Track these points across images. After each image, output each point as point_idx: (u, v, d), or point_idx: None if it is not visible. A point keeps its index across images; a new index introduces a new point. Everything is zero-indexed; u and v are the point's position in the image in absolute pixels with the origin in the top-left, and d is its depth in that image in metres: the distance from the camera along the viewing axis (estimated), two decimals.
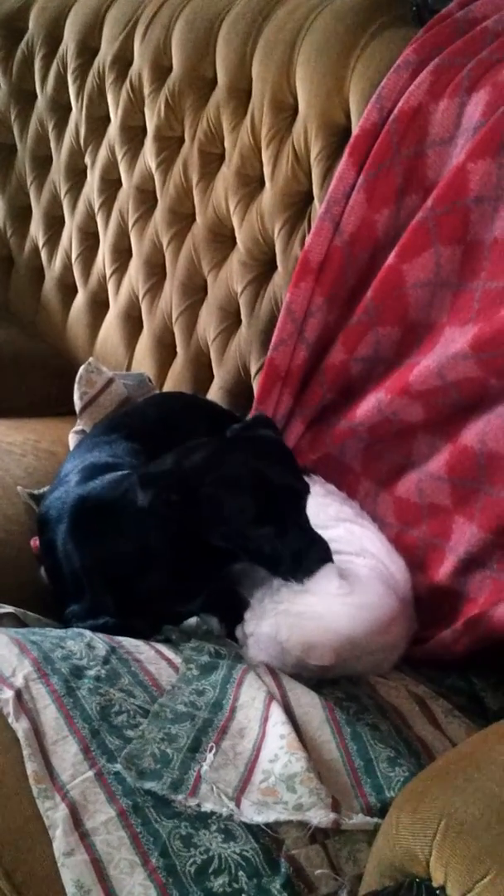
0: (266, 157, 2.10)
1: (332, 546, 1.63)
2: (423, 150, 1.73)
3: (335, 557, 1.60)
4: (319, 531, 1.62)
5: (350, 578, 1.64)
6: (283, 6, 2.10)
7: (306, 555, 1.57)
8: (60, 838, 1.15)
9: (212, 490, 1.56)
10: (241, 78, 2.15)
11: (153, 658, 1.50)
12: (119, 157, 2.54)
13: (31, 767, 1.23)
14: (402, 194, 1.76)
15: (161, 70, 2.37)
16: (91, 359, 2.32)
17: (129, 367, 2.56)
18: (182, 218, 2.37)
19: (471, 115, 1.65)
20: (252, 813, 1.20)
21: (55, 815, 1.18)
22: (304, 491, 1.61)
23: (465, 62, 1.68)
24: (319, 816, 1.19)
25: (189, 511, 1.57)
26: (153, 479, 1.57)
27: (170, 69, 2.35)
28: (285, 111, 2.05)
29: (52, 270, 2.85)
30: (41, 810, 1.19)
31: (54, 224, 2.84)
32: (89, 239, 2.71)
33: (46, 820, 1.18)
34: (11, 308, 3.00)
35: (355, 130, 1.82)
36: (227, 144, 2.21)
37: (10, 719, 1.30)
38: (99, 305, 2.70)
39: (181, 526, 1.60)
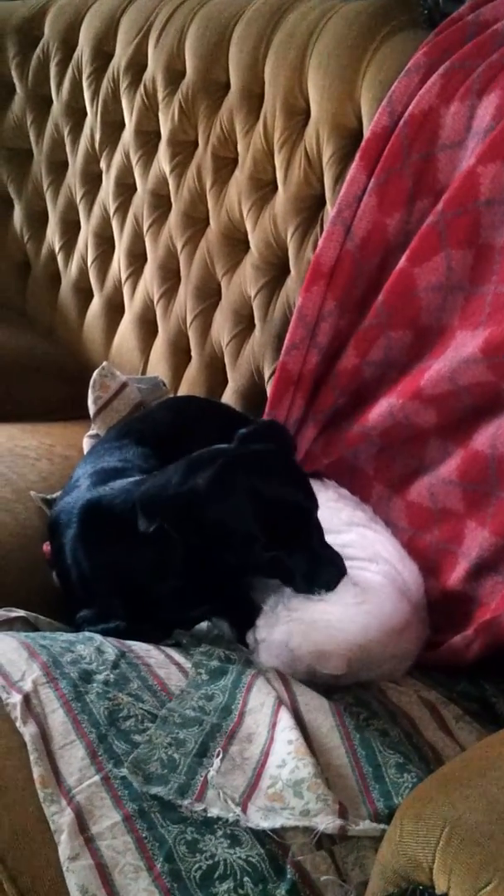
0: (279, 161, 2.10)
1: (345, 551, 1.62)
2: (433, 154, 1.72)
3: (348, 563, 1.60)
4: (332, 536, 1.62)
5: (363, 585, 1.63)
6: (294, 10, 2.10)
7: (316, 573, 1.57)
8: (65, 843, 1.15)
9: (218, 521, 1.56)
10: (253, 82, 2.16)
11: (163, 662, 1.50)
12: (134, 161, 2.55)
13: (37, 772, 1.23)
14: (413, 198, 1.76)
15: (175, 74, 2.38)
16: (105, 363, 2.33)
17: (144, 372, 2.57)
18: (196, 222, 2.38)
19: (481, 118, 1.64)
20: (258, 818, 1.19)
21: (61, 819, 1.18)
22: (312, 507, 1.60)
23: (476, 65, 1.68)
24: (326, 822, 1.18)
25: (197, 534, 1.57)
26: (155, 505, 1.57)
27: (183, 73, 2.36)
28: (297, 115, 2.06)
29: (69, 275, 2.86)
30: (47, 814, 1.19)
31: (70, 229, 2.85)
32: (105, 243, 2.72)
33: (52, 824, 1.18)
34: (28, 312, 3.02)
35: (366, 134, 1.82)
36: (240, 148, 2.22)
37: (18, 723, 1.30)
38: (114, 310, 2.71)
39: (191, 545, 1.60)
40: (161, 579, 1.66)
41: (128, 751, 1.27)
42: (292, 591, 1.62)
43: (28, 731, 1.29)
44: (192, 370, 2.42)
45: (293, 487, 1.61)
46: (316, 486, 1.82)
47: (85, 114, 2.72)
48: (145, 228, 2.53)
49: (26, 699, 1.34)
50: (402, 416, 1.78)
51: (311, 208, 2.05)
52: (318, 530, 1.60)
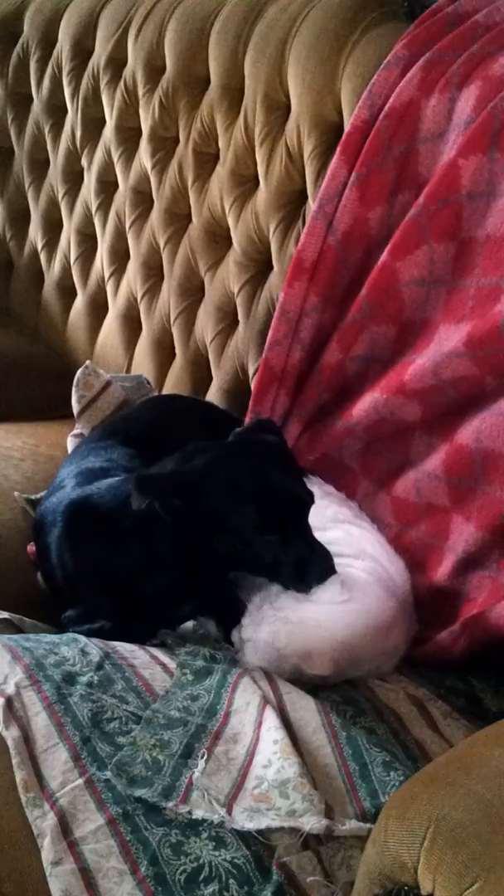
0: (260, 156, 2.09)
1: (331, 548, 1.61)
2: (414, 147, 1.71)
3: (334, 560, 1.59)
4: (318, 532, 1.61)
5: (349, 583, 1.62)
6: (274, 4, 2.09)
7: (309, 565, 1.55)
8: (48, 847, 1.14)
9: (214, 496, 1.54)
10: (233, 77, 2.15)
11: (147, 663, 1.49)
12: (115, 158, 2.54)
13: (19, 776, 1.22)
14: (395, 191, 1.75)
15: (155, 70, 2.37)
16: (88, 362, 2.32)
17: (128, 369, 2.56)
18: (178, 219, 2.37)
19: (461, 110, 1.63)
20: (243, 820, 1.18)
21: (43, 823, 1.16)
22: (309, 499, 1.59)
23: (456, 57, 1.67)
24: (312, 822, 1.17)
25: (191, 516, 1.55)
26: (152, 484, 1.56)
27: (163, 69, 2.34)
28: (278, 109, 2.05)
29: (52, 273, 2.85)
30: (30, 819, 1.18)
31: (53, 227, 2.84)
32: (87, 241, 2.71)
33: (35, 829, 1.16)
34: (12, 311, 3.01)
35: (347, 128, 1.81)
36: (221, 144, 2.21)
37: (0, 727, 1.29)
38: (98, 307, 2.70)
39: (183, 531, 1.58)
40: (146, 577, 1.65)
41: (112, 753, 1.26)
42: (280, 588, 1.60)
43: (10, 734, 1.27)
44: (177, 367, 2.41)
45: (291, 476, 1.60)
46: None
47: (65, 111, 2.71)
48: (128, 226, 2.52)
49: (8, 702, 1.32)
50: (387, 411, 1.77)
51: (292, 203, 2.04)
52: (308, 526, 1.59)
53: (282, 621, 1.56)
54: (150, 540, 1.61)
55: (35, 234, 2.90)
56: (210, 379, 2.31)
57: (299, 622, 1.55)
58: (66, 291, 2.81)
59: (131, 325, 2.57)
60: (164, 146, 2.38)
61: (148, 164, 2.41)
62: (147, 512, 1.52)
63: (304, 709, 1.40)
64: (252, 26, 2.10)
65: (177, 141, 2.34)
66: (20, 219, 2.95)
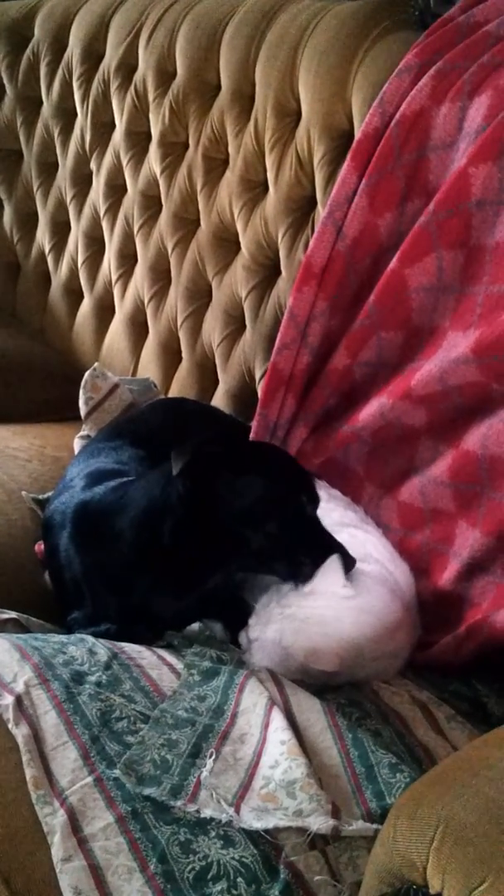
0: (270, 161, 2.10)
1: None
2: (424, 155, 1.72)
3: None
4: None
5: (355, 583, 1.63)
6: (285, 11, 2.10)
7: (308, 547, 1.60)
8: (59, 844, 1.15)
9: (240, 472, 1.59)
10: (244, 83, 2.16)
11: (155, 663, 1.49)
12: (124, 162, 2.55)
13: (30, 773, 1.23)
14: (405, 199, 1.76)
15: (165, 75, 2.38)
16: (96, 364, 2.33)
17: (134, 373, 2.56)
18: (187, 223, 2.38)
19: (472, 119, 1.65)
20: (251, 819, 1.19)
21: (54, 820, 1.17)
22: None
23: (467, 66, 1.68)
24: (319, 822, 1.18)
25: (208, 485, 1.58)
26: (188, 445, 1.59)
27: (174, 74, 2.36)
28: (288, 116, 2.06)
29: (59, 276, 2.85)
30: (40, 816, 1.18)
31: (60, 230, 2.85)
32: (95, 244, 2.72)
33: (45, 826, 1.17)
34: (18, 313, 3.01)
35: (357, 135, 1.82)
36: (230, 149, 2.22)
37: (10, 725, 1.29)
38: (105, 311, 2.70)
39: (188, 525, 1.59)
40: (145, 571, 1.65)
41: (120, 752, 1.27)
42: (287, 587, 1.61)
43: (20, 732, 1.28)
44: (183, 371, 2.42)
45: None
46: None
47: (75, 115, 2.72)
48: (136, 229, 2.53)
49: (18, 700, 1.33)
50: (393, 417, 1.78)
51: (302, 209, 2.06)
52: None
53: (288, 619, 1.57)
54: (140, 534, 1.63)
55: (42, 237, 2.90)
56: (216, 383, 2.32)
57: (305, 619, 1.56)
58: (73, 294, 2.82)
59: (138, 328, 2.58)
60: (174, 151, 2.39)
61: (157, 169, 2.42)
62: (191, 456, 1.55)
63: (310, 710, 1.41)
64: (264, 33, 2.12)
65: (186, 146, 2.36)
66: (28, 221, 2.96)
